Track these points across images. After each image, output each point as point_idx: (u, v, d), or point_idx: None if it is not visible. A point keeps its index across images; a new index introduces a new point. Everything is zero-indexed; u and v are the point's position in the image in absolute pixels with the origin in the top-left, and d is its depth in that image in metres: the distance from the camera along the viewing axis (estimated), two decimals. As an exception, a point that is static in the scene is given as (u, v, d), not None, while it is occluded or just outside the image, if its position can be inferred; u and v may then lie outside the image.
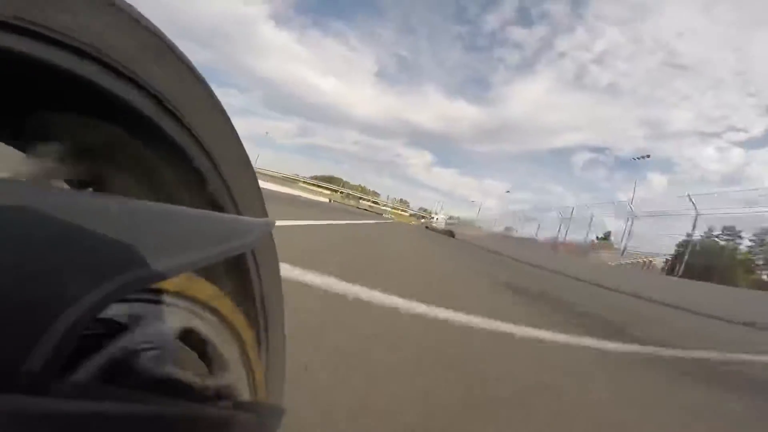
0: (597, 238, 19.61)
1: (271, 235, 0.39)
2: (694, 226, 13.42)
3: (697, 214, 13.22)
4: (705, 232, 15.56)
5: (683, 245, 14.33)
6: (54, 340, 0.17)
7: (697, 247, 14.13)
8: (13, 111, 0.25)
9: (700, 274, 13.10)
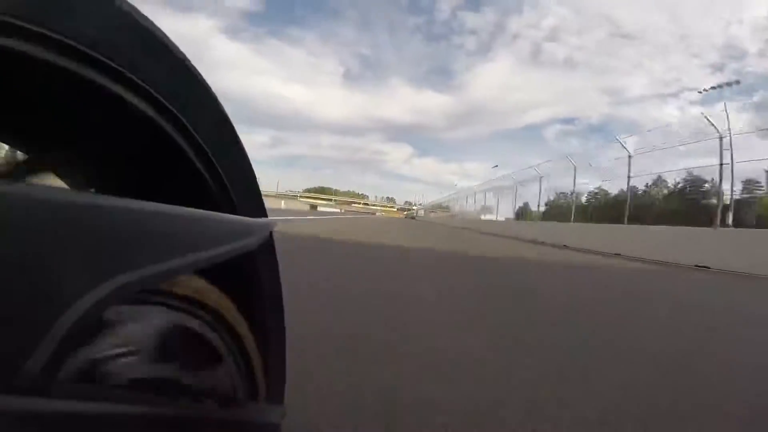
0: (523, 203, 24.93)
1: (271, 235, 0.38)
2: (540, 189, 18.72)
3: (540, 177, 18.29)
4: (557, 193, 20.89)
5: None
6: (55, 340, 0.17)
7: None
8: (16, 113, 0.25)
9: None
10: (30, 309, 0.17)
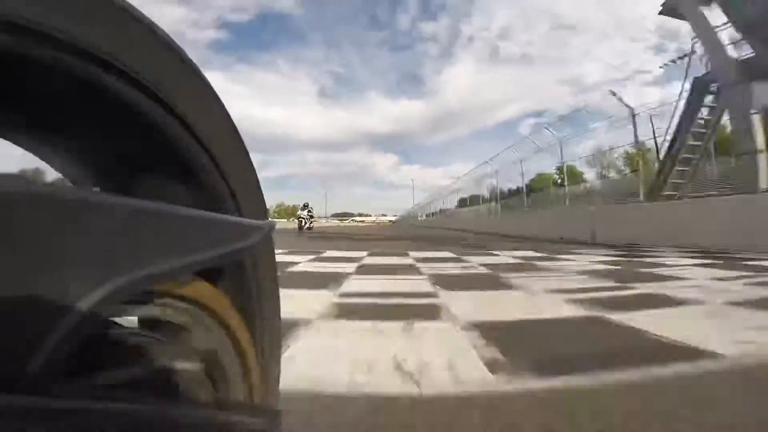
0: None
1: (270, 236, 0.38)
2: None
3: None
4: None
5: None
6: (55, 341, 0.17)
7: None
8: (18, 111, 0.25)
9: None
10: (30, 309, 0.17)
